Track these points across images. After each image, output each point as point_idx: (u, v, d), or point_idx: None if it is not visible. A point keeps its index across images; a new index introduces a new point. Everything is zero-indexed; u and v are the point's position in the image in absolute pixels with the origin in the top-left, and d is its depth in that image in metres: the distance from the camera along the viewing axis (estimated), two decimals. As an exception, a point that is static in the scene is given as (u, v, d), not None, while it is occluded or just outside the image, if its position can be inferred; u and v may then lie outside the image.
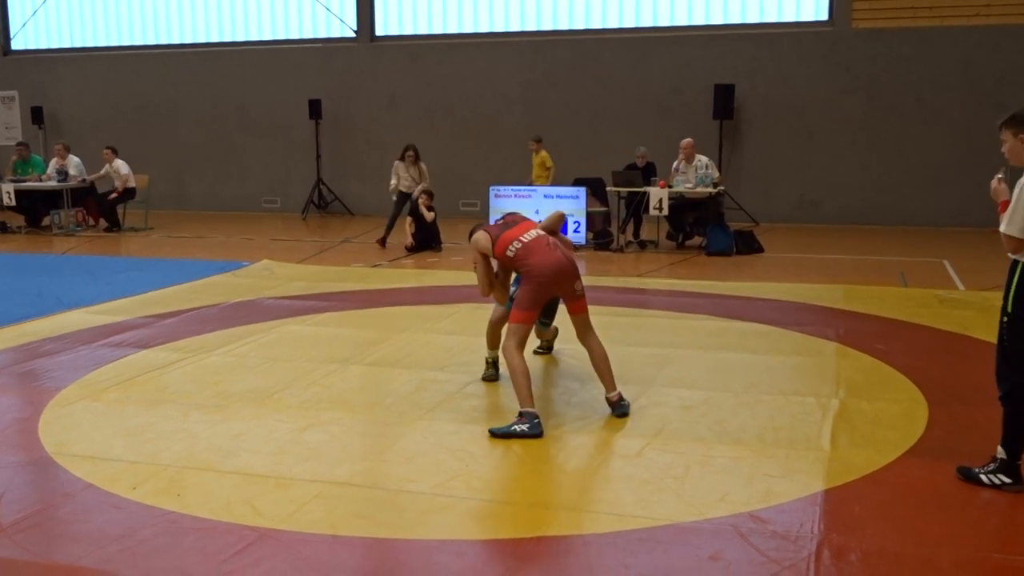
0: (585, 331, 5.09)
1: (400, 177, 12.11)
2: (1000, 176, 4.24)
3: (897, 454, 4.40)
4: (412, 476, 4.21)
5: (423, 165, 12.27)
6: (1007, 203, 3.93)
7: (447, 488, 4.06)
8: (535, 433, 4.62)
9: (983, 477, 4.00)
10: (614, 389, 5.04)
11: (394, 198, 12.18)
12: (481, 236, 5.17)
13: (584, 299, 5.06)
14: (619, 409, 4.99)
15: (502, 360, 5.18)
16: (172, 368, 6.04)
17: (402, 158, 12.17)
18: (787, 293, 8.45)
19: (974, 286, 8.75)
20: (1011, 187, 3.94)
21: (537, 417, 4.70)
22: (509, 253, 5.00)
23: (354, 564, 3.49)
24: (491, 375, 5.68)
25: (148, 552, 3.50)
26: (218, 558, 3.42)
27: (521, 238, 5.02)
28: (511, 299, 5.25)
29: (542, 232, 5.14)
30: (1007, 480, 3.96)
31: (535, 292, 4.91)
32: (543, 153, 13.12)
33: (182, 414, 5.12)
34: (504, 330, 5.11)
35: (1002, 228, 3.88)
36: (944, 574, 3.28)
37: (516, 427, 4.65)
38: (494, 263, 5.26)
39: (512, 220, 5.24)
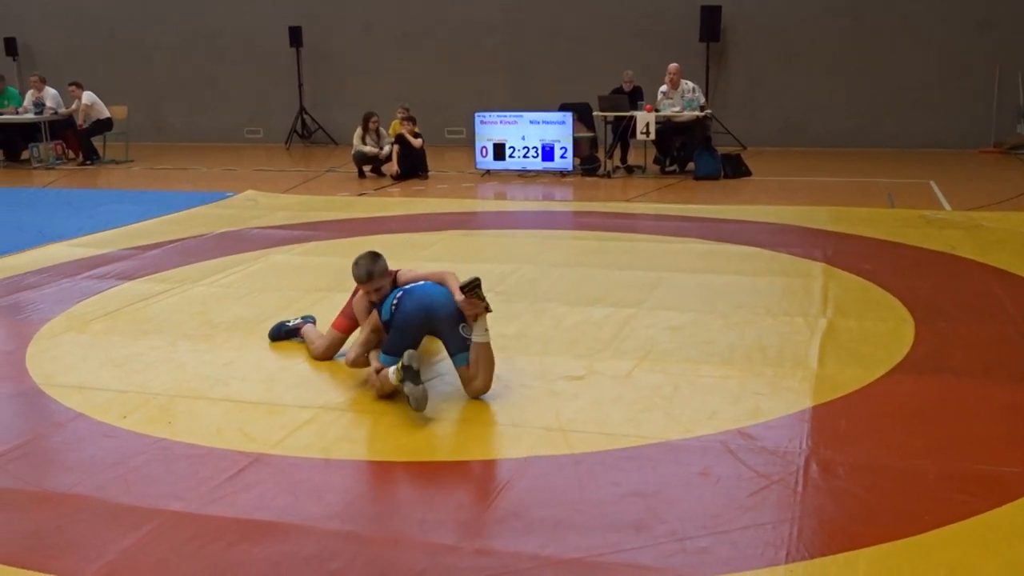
0: None
1: (358, 144, 11.79)
2: None
3: (883, 371, 4.44)
4: (402, 400, 4.21)
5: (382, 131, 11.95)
6: None
7: (437, 411, 4.08)
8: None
9: None
10: None
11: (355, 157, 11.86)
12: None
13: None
14: None
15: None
16: (158, 299, 6.01)
17: (364, 127, 11.78)
18: (774, 215, 8.44)
19: (960, 206, 8.76)
20: None
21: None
22: None
23: (346, 486, 3.52)
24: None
25: (141, 479, 3.51)
26: (211, 483, 3.44)
27: None
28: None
29: None
30: None
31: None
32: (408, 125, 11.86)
33: (170, 344, 5.10)
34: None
35: None
36: (929, 485, 3.33)
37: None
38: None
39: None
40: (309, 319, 5.20)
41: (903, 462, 3.50)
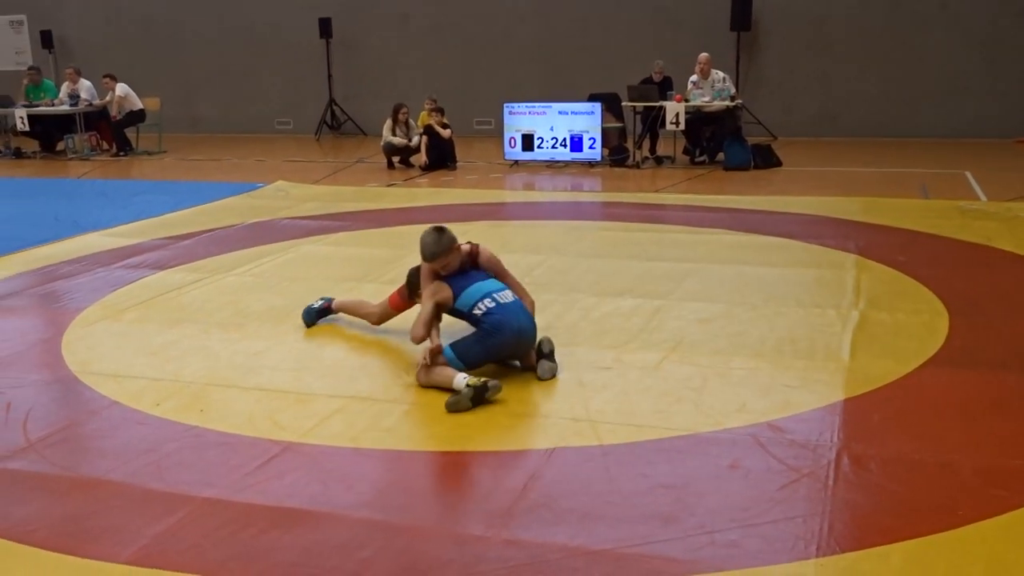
0: None
1: (388, 136, 11.77)
2: None
3: (917, 364, 4.39)
4: (431, 391, 4.23)
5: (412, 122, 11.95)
6: None
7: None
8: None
9: None
10: None
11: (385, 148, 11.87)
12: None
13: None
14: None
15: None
16: (190, 288, 6.07)
17: (394, 119, 11.75)
18: (806, 206, 8.36)
19: (997, 197, 8.62)
20: None
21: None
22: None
23: (376, 475, 3.53)
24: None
25: (174, 465, 3.55)
26: (242, 471, 3.48)
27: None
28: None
29: None
30: None
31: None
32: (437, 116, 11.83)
33: (202, 333, 5.15)
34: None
35: None
36: (963, 480, 3.29)
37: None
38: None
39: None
40: (329, 300, 5.32)
41: (937, 456, 3.46)
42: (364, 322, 5.23)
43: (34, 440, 3.79)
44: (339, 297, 5.36)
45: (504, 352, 4.37)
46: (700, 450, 3.58)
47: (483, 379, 4.00)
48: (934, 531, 2.94)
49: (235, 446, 3.70)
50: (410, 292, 4.90)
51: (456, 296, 4.39)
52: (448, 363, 4.21)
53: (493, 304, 4.33)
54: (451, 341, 4.34)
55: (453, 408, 3.97)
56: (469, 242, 4.62)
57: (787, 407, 3.93)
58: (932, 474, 3.33)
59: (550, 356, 4.39)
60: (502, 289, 4.44)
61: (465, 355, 4.25)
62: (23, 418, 4.01)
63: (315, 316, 5.26)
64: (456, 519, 3.14)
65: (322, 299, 5.33)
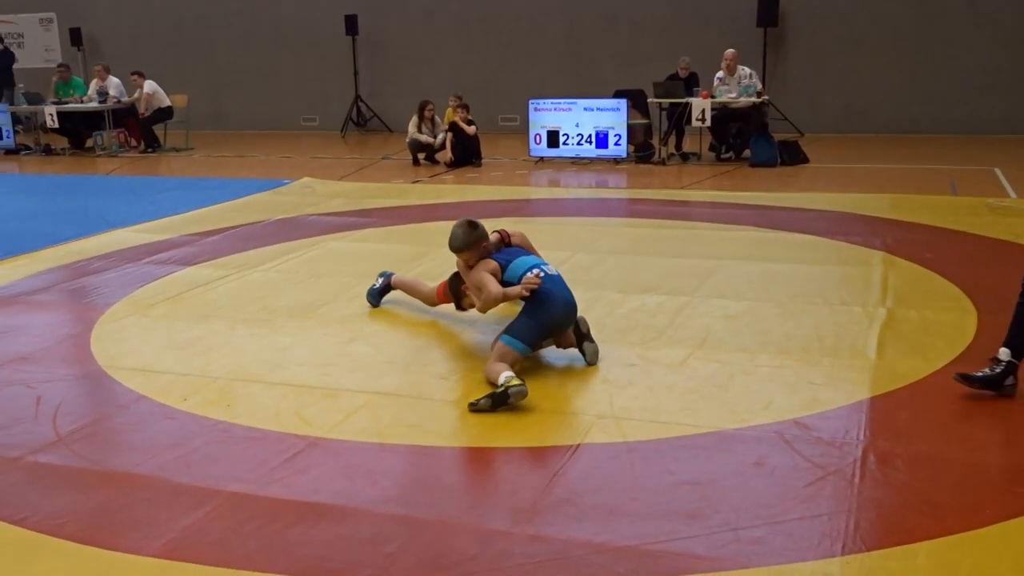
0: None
1: (413, 132, 11.83)
2: None
3: (945, 362, 4.35)
4: (456, 387, 4.26)
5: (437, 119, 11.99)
6: None
7: (491, 398, 4.09)
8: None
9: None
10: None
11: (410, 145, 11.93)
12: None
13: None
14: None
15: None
16: (217, 284, 6.12)
17: (420, 116, 11.81)
18: (832, 203, 8.30)
19: (1027, 194, 8.53)
20: None
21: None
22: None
23: (400, 471, 3.55)
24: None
25: (201, 460, 3.59)
26: (268, 465, 3.51)
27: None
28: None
29: None
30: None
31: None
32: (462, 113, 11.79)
33: (229, 328, 5.20)
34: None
35: None
36: (991, 479, 3.27)
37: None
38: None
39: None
40: (388, 274, 5.51)
41: (964, 455, 3.44)
42: (389, 316, 5.27)
43: (63, 434, 3.84)
44: (399, 274, 5.53)
45: (554, 323, 4.41)
46: (725, 447, 3.57)
47: (513, 383, 3.99)
48: (960, 530, 2.92)
49: (261, 441, 3.73)
50: (455, 299, 5.00)
51: (503, 268, 4.51)
52: (508, 347, 4.25)
53: (543, 275, 4.43)
54: (504, 328, 4.42)
55: (474, 409, 3.98)
56: (495, 230, 4.73)
57: (813, 404, 3.91)
58: (958, 473, 3.31)
59: (589, 336, 4.47)
60: (545, 263, 4.59)
61: (522, 335, 4.32)
62: (53, 412, 4.07)
63: (378, 297, 5.47)
64: (481, 514, 3.15)
65: (381, 276, 5.53)
